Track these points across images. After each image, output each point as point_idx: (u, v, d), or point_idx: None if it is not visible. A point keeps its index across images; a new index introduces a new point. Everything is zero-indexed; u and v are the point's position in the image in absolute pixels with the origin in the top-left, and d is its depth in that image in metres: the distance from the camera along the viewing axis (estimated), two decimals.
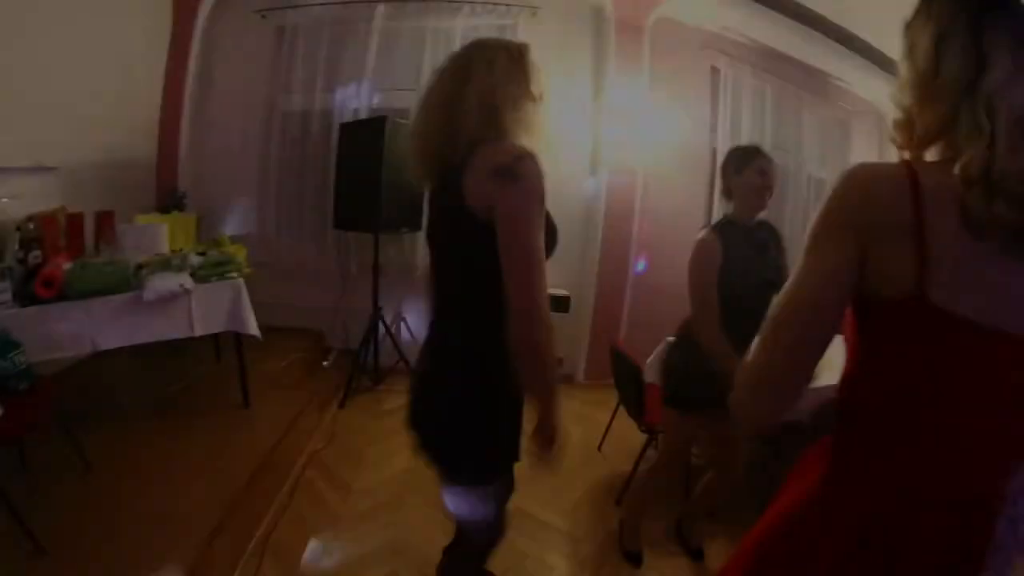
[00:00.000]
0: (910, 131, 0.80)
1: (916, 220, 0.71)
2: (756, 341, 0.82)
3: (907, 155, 0.82)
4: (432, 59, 3.78)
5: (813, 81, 5.23)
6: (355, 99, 3.80)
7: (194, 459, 2.47)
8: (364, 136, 3.39)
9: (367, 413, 3.44)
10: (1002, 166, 0.65)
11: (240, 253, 3.03)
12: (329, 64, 3.82)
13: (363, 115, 3.75)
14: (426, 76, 3.68)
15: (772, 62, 4.92)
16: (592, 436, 3.45)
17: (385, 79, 3.86)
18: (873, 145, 6.01)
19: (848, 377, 0.85)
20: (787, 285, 0.79)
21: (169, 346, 2.76)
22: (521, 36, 3.83)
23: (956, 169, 0.69)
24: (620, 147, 4.16)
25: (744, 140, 4.69)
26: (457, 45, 3.63)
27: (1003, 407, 0.75)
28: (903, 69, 0.81)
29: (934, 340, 0.73)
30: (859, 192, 0.76)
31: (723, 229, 2.01)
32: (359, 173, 3.37)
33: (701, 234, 2.04)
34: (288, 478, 2.64)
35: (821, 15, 4.36)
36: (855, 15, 4.37)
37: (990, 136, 0.67)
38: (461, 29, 3.77)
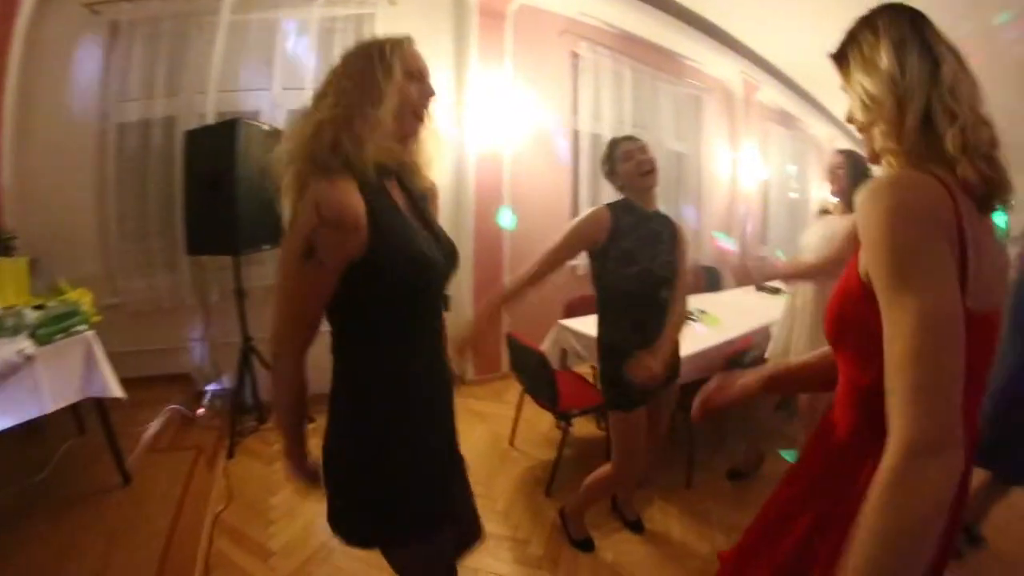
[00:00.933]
0: (898, 134, 0.87)
1: (959, 225, 0.77)
2: (909, 393, 0.73)
3: (889, 158, 0.92)
4: (284, 55, 3.56)
5: (667, 62, 5.75)
6: (200, 103, 3.43)
7: (85, 561, 2.11)
8: (213, 144, 3.05)
9: (260, 458, 3.15)
10: (973, 139, 0.81)
11: (85, 299, 2.59)
12: (171, 64, 3.41)
13: (210, 120, 3.38)
14: (277, 74, 3.50)
15: (629, 45, 5.28)
16: (500, 432, 3.53)
17: (233, 79, 3.53)
18: (723, 117, 6.70)
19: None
20: (910, 323, 0.74)
21: (21, 427, 2.28)
22: (379, 25, 3.74)
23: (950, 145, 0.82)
24: (485, 135, 4.22)
25: (604, 120, 5.10)
26: (312, 38, 3.50)
27: (982, 367, 0.89)
28: (868, 85, 0.90)
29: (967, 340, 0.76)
30: (925, 200, 0.78)
31: (620, 211, 2.09)
32: (211, 187, 3.03)
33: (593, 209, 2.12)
34: (197, 556, 2.31)
35: None
36: None
37: (962, 117, 0.82)
38: (317, 21, 3.56)
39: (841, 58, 0.97)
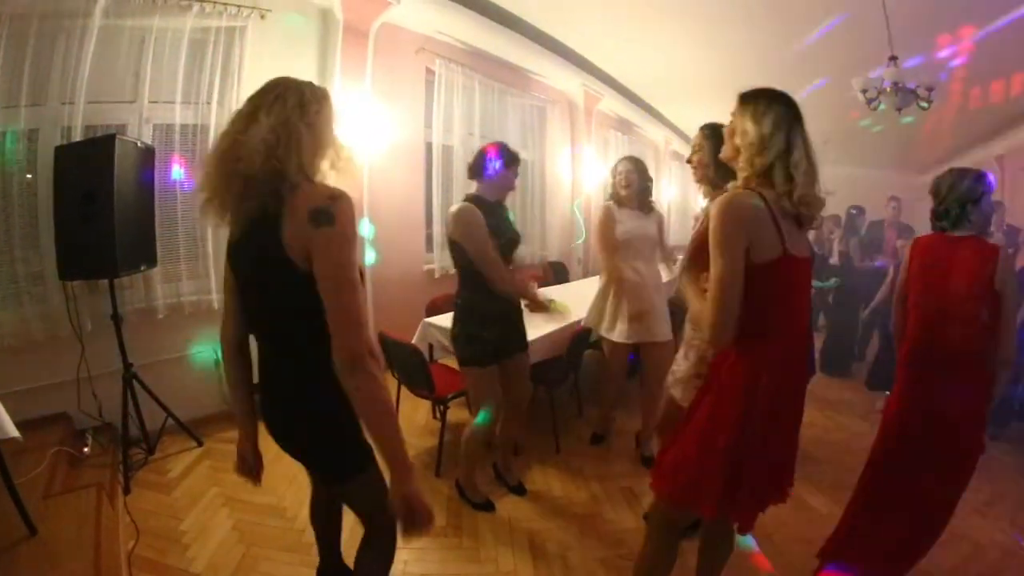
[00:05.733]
0: (752, 161, 1.69)
1: (773, 216, 1.61)
2: (709, 304, 1.61)
3: (741, 167, 1.75)
4: (156, 65, 3.71)
5: (515, 76, 6.78)
6: (67, 114, 3.40)
7: None
8: (88, 161, 3.15)
9: (157, 488, 3.32)
10: (800, 192, 1.63)
11: None
12: (37, 70, 3.27)
13: (77, 134, 3.39)
14: (147, 84, 3.79)
15: (480, 61, 6.18)
16: None
17: (100, 90, 3.54)
18: (566, 126, 7.91)
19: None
20: (714, 274, 1.60)
21: None
22: (250, 38, 4.08)
23: (779, 189, 1.63)
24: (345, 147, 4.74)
25: (455, 132, 5.97)
26: (184, 48, 3.83)
27: (804, 290, 1.83)
28: (750, 131, 1.68)
29: (790, 271, 1.65)
30: (740, 209, 1.61)
31: (476, 203, 2.87)
32: (86, 207, 3.12)
33: (460, 206, 2.86)
34: None
35: (522, 19, 5.72)
36: (550, 18, 5.89)
37: (796, 181, 1.62)
38: (189, 31, 3.76)
39: (745, 99, 1.73)
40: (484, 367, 2.92)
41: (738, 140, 1.73)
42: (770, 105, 1.69)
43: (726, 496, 1.72)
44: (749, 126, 1.69)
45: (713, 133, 3.57)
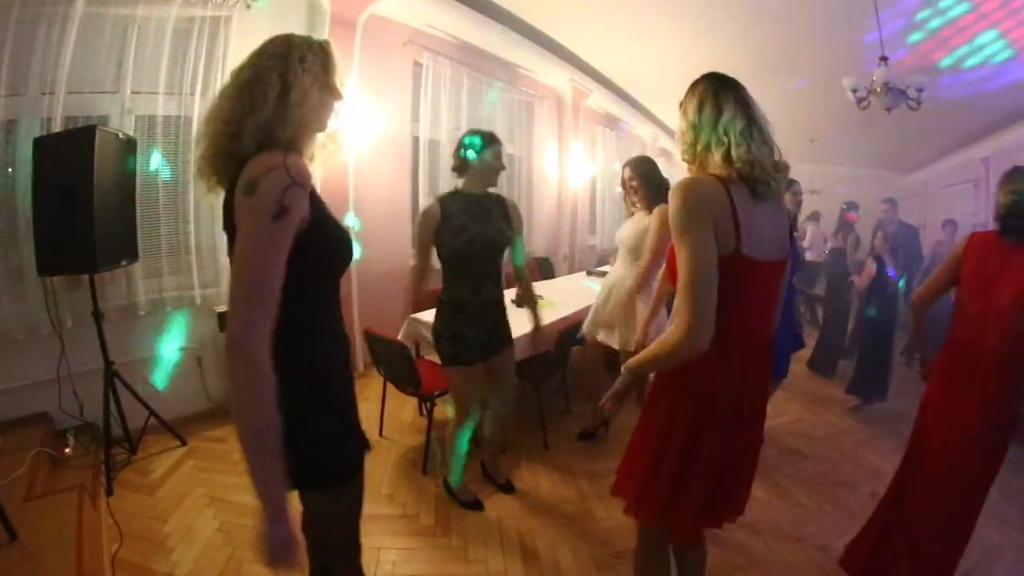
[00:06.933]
0: (692, 154, 1.66)
1: (731, 205, 1.51)
2: (682, 299, 1.47)
3: (691, 168, 1.68)
4: (139, 55, 3.67)
5: (503, 70, 6.78)
6: (46, 105, 3.33)
7: None
8: (68, 153, 3.10)
9: (141, 490, 3.29)
10: (737, 153, 1.54)
11: None
12: (16, 59, 3.21)
13: (57, 125, 3.34)
14: (130, 74, 3.79)
15: (468, 55, 6.20)
16: (368, 426, 3.95)
17: (81, 79, 3.48)
18: (553, 122, 7.93)
19: None
20: (684, 261, 1.47)
21: None
22: (236, 28, 4.05)
23: (715, 157, 1.57)
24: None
25: (443, 126, 5.95)
26: (168, 38, 3.83)
27: (766, 297, 1.69)
28: (681, 124, 1.68)
29: (741, 272, 1.51)
30: (699, 192, 1.51)
31: (447, 199, 2.83)
32: (65, 200, 3.06)
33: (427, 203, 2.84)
34: None
35: (511, 12, 5.73)
36: (539, 12, 5.90)
37: (729, 142, 1.56)
38: (173, 20, 3.72)
39: (679, 105, 1.70)
40: (470, 366, 2.87)
41: (681, 141, 1.72)
42: (693, 90, 1.67)
43: (668, 506, 1.70)
44: (682, 122, 1.70)
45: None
